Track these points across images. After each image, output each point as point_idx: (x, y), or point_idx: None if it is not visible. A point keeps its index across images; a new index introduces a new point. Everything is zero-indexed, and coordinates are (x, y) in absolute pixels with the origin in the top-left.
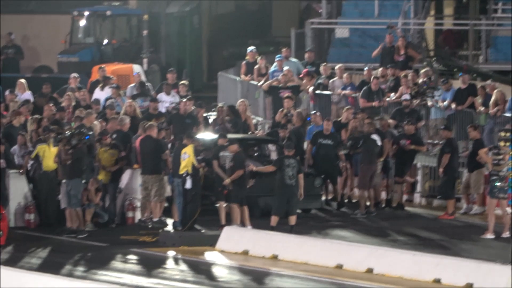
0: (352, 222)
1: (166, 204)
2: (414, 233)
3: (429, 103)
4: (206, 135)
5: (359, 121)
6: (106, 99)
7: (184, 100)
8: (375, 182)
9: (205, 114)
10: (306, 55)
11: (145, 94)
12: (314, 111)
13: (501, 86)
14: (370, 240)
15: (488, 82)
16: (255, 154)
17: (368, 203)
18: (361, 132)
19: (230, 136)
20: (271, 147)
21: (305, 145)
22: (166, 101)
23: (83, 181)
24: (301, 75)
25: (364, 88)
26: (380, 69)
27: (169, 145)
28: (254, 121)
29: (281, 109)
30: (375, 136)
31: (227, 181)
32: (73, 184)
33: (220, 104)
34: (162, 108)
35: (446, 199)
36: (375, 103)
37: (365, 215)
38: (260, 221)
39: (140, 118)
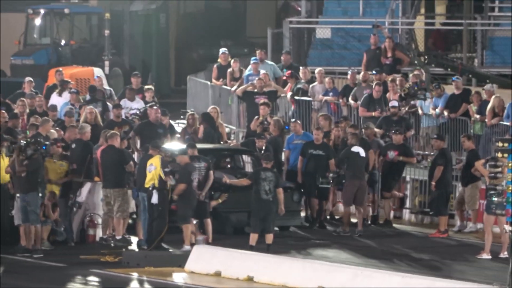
0: (335, 241)
1: (130, 221)
2: (403, 253)
3: (420, 111)
4: (174, 145)
5: (342, 130)
6: (64, 105)
7: (155, 107)
8: (362, 198)
9: (172, 122)
10: (282, 58)
11: (96, 99)
12: (294, 119)
13: (499, 91)
14: (354, 260)
15: (488, 86)
16: (228, 166)
17: (355, 220)
18: (344, 142)
19: (201, 146)
20: (246, 158)
21: (283, 155)
22: (129, 107)
23: (40, 195)
24: (284, 77)
25: (365, 95)
26: (362, 73)
27: (135, 156)
28: (227, 129)
29: (256, 117)
30: (356, 148)
31: (174, 196)
32: (30, 198)
33: (190, 111)
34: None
35: (438, 216)
36: (375, 113)
37: (349, 233)
38: (233, 239)
39: (101, 126)
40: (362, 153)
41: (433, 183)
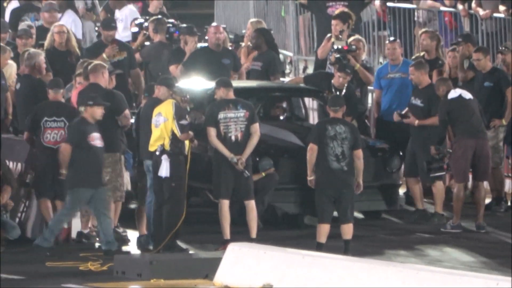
0: (452, 234)
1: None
2: None
3: None
4: (195, 83)
5: (462, 56)
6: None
7: (214, 24)
8: (485, 167)
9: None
10: None
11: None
12: (393, 38)
13: None
14: (483, 265)
15: None
16: (282, 116)
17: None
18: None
19: (239, 84)
20: (310, 103)
21: (370, 97)
22: (118, 19)
23: None
24: None
25: None
26: None
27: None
28: (280, 57)
29: (328, 35)
30: (455, 92)
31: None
32: None
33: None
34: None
35: None
36: None
37: (460, 229)
38: (290, 232)
39: (77, 54)
40: (467, 95)
41: None
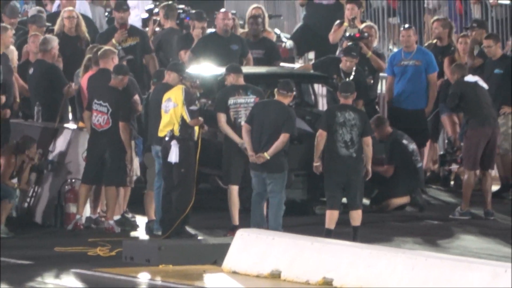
0: (462, 221)
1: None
2: None
3: None
4: (205, 68)
5: (473, 42)
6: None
7: (222, 10)
8: (492, 157)
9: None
10: None
11: None
12: (408, 25)
13: None
14: (491, 251)
15: None
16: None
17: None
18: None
19: (249, 70)
20: (320, 89)
21: (382, 84)
22: (133, 7)
23: None
24: None
25: None
26: None
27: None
28: (289, 43)
29: (337, 22)
30: (471, 77)
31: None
32: None
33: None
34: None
35: None
36: None
37: (469, 216)
38: (299, 219)
39: (87, 39)
40: (482, 82)
41: None
